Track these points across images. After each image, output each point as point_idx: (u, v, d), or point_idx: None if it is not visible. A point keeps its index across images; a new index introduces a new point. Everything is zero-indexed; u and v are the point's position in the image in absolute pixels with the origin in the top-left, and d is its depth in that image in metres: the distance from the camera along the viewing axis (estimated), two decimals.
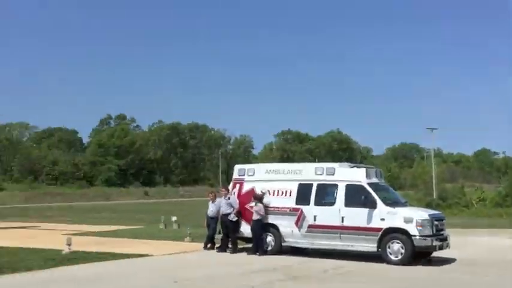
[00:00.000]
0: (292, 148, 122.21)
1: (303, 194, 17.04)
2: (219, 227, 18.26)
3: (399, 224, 15.06)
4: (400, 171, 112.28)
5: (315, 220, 16.54)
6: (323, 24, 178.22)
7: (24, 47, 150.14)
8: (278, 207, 17.34)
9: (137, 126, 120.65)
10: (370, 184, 16.18)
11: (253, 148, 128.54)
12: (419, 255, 15.03)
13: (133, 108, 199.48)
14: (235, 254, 17.08)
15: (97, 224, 29.74)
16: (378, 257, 15.11)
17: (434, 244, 14.93)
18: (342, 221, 15.99)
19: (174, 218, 26.29)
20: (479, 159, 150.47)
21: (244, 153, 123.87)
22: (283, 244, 17.12)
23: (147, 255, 16.25)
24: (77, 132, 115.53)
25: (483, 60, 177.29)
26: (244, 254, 17.00)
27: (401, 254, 14.82)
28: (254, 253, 16.84)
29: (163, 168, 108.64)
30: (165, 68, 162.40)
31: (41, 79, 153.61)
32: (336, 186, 16.56)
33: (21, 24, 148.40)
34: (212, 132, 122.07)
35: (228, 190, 18.54)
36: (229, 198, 18.07)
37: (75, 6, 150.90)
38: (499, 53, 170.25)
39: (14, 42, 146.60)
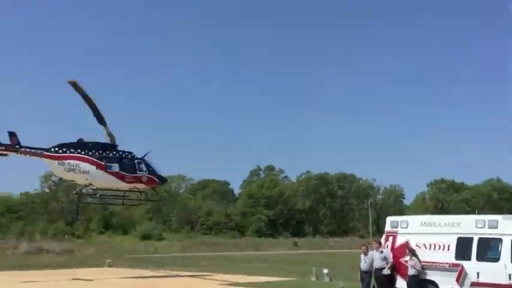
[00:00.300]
0: (446, 198, 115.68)
1: (463, 248, 16.01)
2: (373, 282, 17.69)
3: None
4: None
5: (478, 277, 15.38)
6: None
7: (192, 112, 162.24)
8: (436, 262, 16.44)
9: (285, 176, 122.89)
10: None
11: (404, 198, 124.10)
12: None
13: (281, 159, 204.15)
14: None
15: (250, 274, 30.34)
16: None
17: None
18: (510, 279, 14.65)
19: (325, 271, 26.00)
20: None
21: (395, 204, 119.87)
22: None
23: None
24: (229, 184, 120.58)
25: None
26: None
27: None
28: None
29: (312, 218, 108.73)
30: (310, 120, 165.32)
31: (196, 135, 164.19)
32: (500, 240, 15.34)
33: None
34: (360, 182, 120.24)
35: (380, 243, 18.02)
36: (382, 252, 17.51)
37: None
38: None
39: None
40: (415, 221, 18.04)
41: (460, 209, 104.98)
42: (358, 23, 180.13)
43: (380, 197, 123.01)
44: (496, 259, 15.21)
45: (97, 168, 20.08)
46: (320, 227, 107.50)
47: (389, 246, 17.83)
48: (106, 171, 20.43)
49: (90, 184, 20.64)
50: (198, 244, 77.40)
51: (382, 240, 18.40)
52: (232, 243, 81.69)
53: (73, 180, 20.65)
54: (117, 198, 22.30)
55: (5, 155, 20.41)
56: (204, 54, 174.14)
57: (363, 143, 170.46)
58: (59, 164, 20.20)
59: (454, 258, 16.11)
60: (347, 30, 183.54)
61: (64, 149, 20.37)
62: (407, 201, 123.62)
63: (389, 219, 18.92)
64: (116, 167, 20.54)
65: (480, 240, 15.73)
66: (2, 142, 20.25)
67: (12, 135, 20.27)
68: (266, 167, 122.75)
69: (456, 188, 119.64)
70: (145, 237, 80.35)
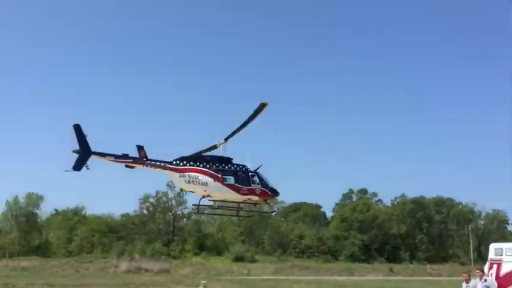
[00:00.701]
0: None
1: None
2: None
3: None
4: None
5: None
6: None
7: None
8: None
9: (379, 200, 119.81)
10: None
11: (508, 224, 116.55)
12: None
13: (374, 183, 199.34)
14: None
15: None
16: None
17: None
18: None
19: None
20: None
21: (498, 229, 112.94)
22: None
23: None
24: (321, 207, 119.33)
25: None
26: None
27: None
28: None
29: (408, 244, 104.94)
30: (404, 143, 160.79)
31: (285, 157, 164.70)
32: None
33: None
34: (460, 206, 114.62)
35: (483, 271, 17.05)
36: (485, 280, 16.56)
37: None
38: None
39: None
40: None
41: None
42: None
43: (482, 222, 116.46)
44: None
45: (214, 181, 21.14)
46: (417, 253, 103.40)
47: (494, 275, 16.88)
48: (223, 183, 21.38)
49: (208, 195, 21.68)
50: (290, 267, 77.12)
51: (486, 268, 17.42)
52: (325, 268, 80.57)
53: (193, 191, 21.61)
54: (232, 209, 23.58)
55: (132, 167, 21.72)
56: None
57: (462, 166, 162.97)
58: (180, 176, 21.40)
59: None
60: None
61: (184, 162, 21.60)
62: None
63: (493, 246, 17.93)
64: (231, 180, 21.52)
65: None
66: (130, 155, 21.91)
67: (140, 148, 21.68)
68: (359, 190, 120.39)
69: None
70: (239, 259, 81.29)
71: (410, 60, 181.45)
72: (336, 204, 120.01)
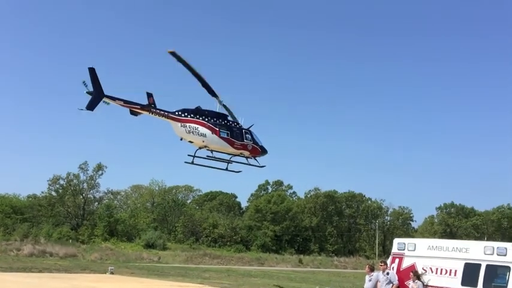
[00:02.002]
0: (455, 223, 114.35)
1: (470, 274, 15.59)
2: None
3: None
4: None
5: None
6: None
7: None
8: (441, 287, 16.01)
9: (294, 192, 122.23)
10: None
11: (412, 221, 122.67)
12: None
13: (290, 175, 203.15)
14: None
15: None
16: None
17: None
18: None
19: None
20: None
21: (403, 226, 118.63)
22: None
23: None
24: (236, 197, 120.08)
25: None
26: None
27: None
28: None
29: (318, 236, 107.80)
30: (320, 140, 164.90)
31: None
32: (508, 268, 14.93)
33: None
34: (369, 202, 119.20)
35: (386, 264, 17.64)
36: (388, 273, 17.13)
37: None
38: None
39: None
40: (422, 244, 17.63)
41: (469, 234, 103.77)
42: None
43: (388, 218, 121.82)
44: (503, 287, 14.79)
45: (212, 133, 22.83)
46: (326, 245, 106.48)
47: (395, 269, 17.47)
48: (219, 136, 23.04)
49: (206, 146, 23.25)
50: (202, 256, 76.96)
51: (388, 262, 18.02)
52: (237, 257, 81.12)
53: (191, 141, 23.07)
54: (224, 161, 24.54)
55: (137, 114, 22.72)
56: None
57: (374, 163, 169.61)
58: (181, 126, 22.81)
59: (460, 284, 15.70)
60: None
61: (186, 114, 23.11)
62: (415, 224, 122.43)
63: (396, 241, 18.54)
64: (226, 134, 23.21)
65: (488, 267, 15.31)
66: (138, 102, 22.92)
67: (149, 95, 22.68)
68: (274, 181, 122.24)
69: (466, 213, 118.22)
70: (150, 246, 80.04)
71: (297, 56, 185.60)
72: (252, 194, 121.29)
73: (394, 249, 18.12)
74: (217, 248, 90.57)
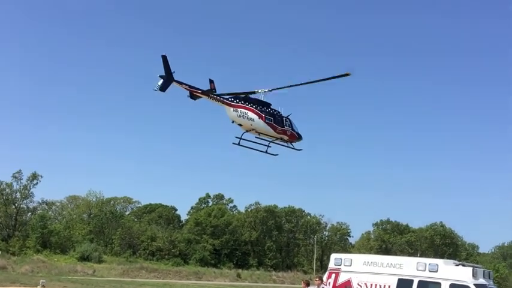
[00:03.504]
0: (390, 239, 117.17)
1: None
2: None
3: None
4: (510, 273, 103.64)
5: None
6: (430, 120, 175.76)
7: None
8: None
9: (234, 206, 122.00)
10: (477, 285, 14.90)
11: (350, 236, 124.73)
12: None
13: (231, 189, 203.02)
14: None
15: None
16: None
17: None
18: None
19: None
20: None
21: (341, 241, 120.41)
22: None
23: None
24: (176, 209, 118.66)
25: None
26: None
27: None
28: None
29: (257, 251, 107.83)
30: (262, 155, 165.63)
31: (141, 158, 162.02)
32: (439, 284, 15.43)
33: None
34: (308, 217, 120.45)
35: (322, 280, 17.79)
36: None
37: None
38: None
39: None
40: (358, 260, 17.97)
41: (403, 251, 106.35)
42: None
43: (326, 233, 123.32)
44: None
45: (259, 118, 25.14)
46: (265, 260, 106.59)
47: (332, 284, 17.68)
48: (265, 121, 25.45)
49: (253, 129, 25.40)
50: (138, 269, 75.44)
51: (325, 277, 18.20)
52: (174, 271, 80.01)
53: (240, 124, 25.33)
54: (266, 145, 26.93)
55: (195, 98, 24.76)
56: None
57: (314, 178, 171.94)
58: (233, 110, 25.05)
59: None
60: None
61: (237, 100, 25.45)
62: (353, 240, 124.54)
63: (333, 257, 18.80)
64: (270, 119, 25.65)
65: (420, 283, 15.77)
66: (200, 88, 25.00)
67: (211, 81, 24.54)
68: (215, 195, 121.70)
69: (401, 229, 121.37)
70: (84, 258, 77.68)
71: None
72: (192, 207, 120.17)
73: (331, 265, 18.36)
74: (155, 261, 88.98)
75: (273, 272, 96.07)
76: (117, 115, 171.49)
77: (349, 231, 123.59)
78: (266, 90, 25.83)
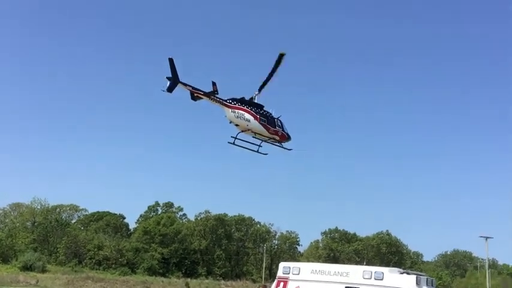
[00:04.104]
0: (338, 247, 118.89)
1: None
2: None
3: None
4: (452, 280, 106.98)
5: None
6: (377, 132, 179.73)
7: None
8: None
9: (184, 215, 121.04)
10: None
11: (299, 245, 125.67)
12: None
13: (181, 197, 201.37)
14: None
15: None
16: None
17: None
18: None
19: None
20: None
21: (290, 250, 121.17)
22: None
23: None
24: (124, 217, 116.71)
25: None
26: None
27: None
28: None
29: (206, 259, 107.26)
30: (214, 163, 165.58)
31: (90, 162, 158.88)
32: None
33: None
34: (258, 226, 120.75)
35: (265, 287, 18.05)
36: None
37: None
38: None
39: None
40: (306, 268, 18.15)
41: (351, 259, 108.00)
42: None
43: (276, 242, 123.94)
44: None
45: (254, 119, 26.74)
46: (214, 268, 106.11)
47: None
48: (259, 122, 27.01)
49: (248, 129, 26.80)
50: (84, 279, 73.61)
51: (273, 285, 18.32)
52: (121, 280, 78.49)
53: (237, 125, 26.64)
54: (257, 145, 28.22)
55: (197, 99, 25.96)
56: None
57: (264, 186, 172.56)
58: (231, 111, 26.44)
59: None
60: None
61: (235, 102, 26.88)
62: (301, 248, 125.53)
63: (282, 265, 18.94)
64: (264, 120, 27.21)
65: None
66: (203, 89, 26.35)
67: (214, 84, 26.06)
68: (165, 203, 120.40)
69: (348, 238, 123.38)
70: (27, 268, 75.25)
71: None
72: (141, 215, 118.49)
73: (280, 273, 18.48)
74: (101, 270, 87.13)
75: (222, 281, 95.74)
76: (62, 119, 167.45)
77: (298, 239, 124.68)
78: (256, 92, 27.67)
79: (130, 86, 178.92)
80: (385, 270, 16.54)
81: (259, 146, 28.00)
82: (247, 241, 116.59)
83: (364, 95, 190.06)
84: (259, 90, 28.05)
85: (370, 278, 16.22)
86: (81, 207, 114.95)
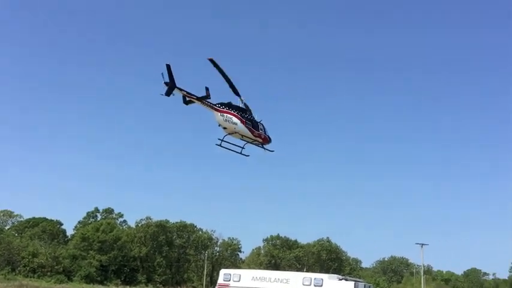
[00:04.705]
0: (280, 254, 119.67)
1: None
2: None
3: None
4: (389, 286, 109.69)
5: None
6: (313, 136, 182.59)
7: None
8: None
9: (124, 221, 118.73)
10: None
11: (241, 251, 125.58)
12: None
13: (121, 203, 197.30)
14: None
15: None
16: None
17: None
18: None
19: None
20: (469, 279, 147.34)
21: (231, 257, 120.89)
22: None
23: None
24: (62, 224, 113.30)
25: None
26: None
27: None
28: None
29: (146, 266, 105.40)
30: (158, 167, 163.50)
31: (27, 168, 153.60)
32: None
33: None
34: (200, 232, 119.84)
35: None
36: None
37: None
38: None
39: None
40: (247, 275, 18.12)
41: (291, 266, 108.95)
42: None
43: (218, 249, 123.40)
44: None
45: (241, 122, 28.27)
46: (154, 276, 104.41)
47: None
48: (245, 125, 28.52)
49: (235, 132, 28.24)
50: (17, 287, 70.69)
51: None
52: None
53: (225, 127, 28.03)
54: (242, 147, 29.53)
55: (188, 103, 27.24)
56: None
57: (207, 193, 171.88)
58: (221, 115, 27.99)
59: None
60: None
61: (223, 106, 28.38)
62: (243, 255, 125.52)
63: (222, 272, 18.84)
64: (249, 124, 28.75)
65: None
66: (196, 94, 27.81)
67: (207, 89, 27.61)
68: (104, 209, 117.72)
69: (290, 245, 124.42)
70: None
71: None
72: (79, 222, 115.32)
73: (220, 280, 18.38)
74: (36, 278, 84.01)
75: None
76: None
77: (239, 246, 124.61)
78: (242, 100, 29.54)
79: (66, 88, 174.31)
80: (324, 276, 16.73)
81: (242, 147, 29.68)
82: (188, 248, 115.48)
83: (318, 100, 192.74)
84: (237, 95, 29.83)
85: (310, 285, 16.37)
86: (15, 213, 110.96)
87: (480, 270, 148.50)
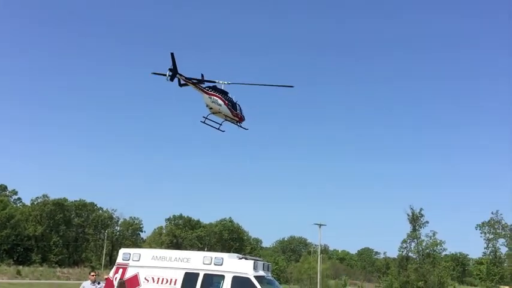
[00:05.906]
0: (182, 234, 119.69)
1: (188, 283, 16.52)
2: None
3: None
4: (288, 265, 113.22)
5: None
6: None
7: None
8: None
9: (19, 199, 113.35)
10: (256, 277, 16.02)
11: (142, 231, 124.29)
12: None
13: (16, 180, 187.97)
14: None
15: None
16: None
17: None
18: None
19: None
20: (362, 258, 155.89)
21: (132, 236, 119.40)
22: None
23: None
24: None
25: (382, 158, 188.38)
26: None
27: None
28: None
29: (41, 246, 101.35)
30: (57, 141, 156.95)
31: None
32: (222, 277, 16.24)
33: None
34: (100, 211, 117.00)
35: (94, 275, 17.94)
36: (99, 283, 17.37)
37: None
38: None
39: None
40: (147, 255, 18.01)
41: (193, 245, 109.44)
42: None
43: (118, 228, 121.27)
44: None
45: (224, 104, 30.05)
46: (49, 255, 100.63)
47: (118, 278, 17.48)
48: (227, 106, 30.29)
49: (219, 112, 29.94)
50: None
51: (112, 272, 17.96)
52: None
53: (211, 108, 29.78)
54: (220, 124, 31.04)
55: (183, 85, 28.45)
56: None
57: (109, 170, 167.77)
58: (208, 97, 29.79)
59: None
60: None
61: (211, 90, 30.08)
62: (145, 235, 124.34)
63: (122, 251, 18.59)
64: (230, 105, 30.57)
65: (205, 275, 16.42)
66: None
67: (202, 76, 29.52)
68: None
69: (192, 225, 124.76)
70: None
71: None
72: None
73: (119, 260, 18.14)
74: None
75: (58, 268, 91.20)
76: None
77: (141, 226, 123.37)
78: (226, 82, 31.20)
79: None
80: (224, 255, 17.03)
81: (220, 124, 32.06)
82: (87, 227, 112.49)
83: None
84: (231, 83, 31.79)
85: (210, 264, 16.59)
86: None
87: (373, 249, 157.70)
